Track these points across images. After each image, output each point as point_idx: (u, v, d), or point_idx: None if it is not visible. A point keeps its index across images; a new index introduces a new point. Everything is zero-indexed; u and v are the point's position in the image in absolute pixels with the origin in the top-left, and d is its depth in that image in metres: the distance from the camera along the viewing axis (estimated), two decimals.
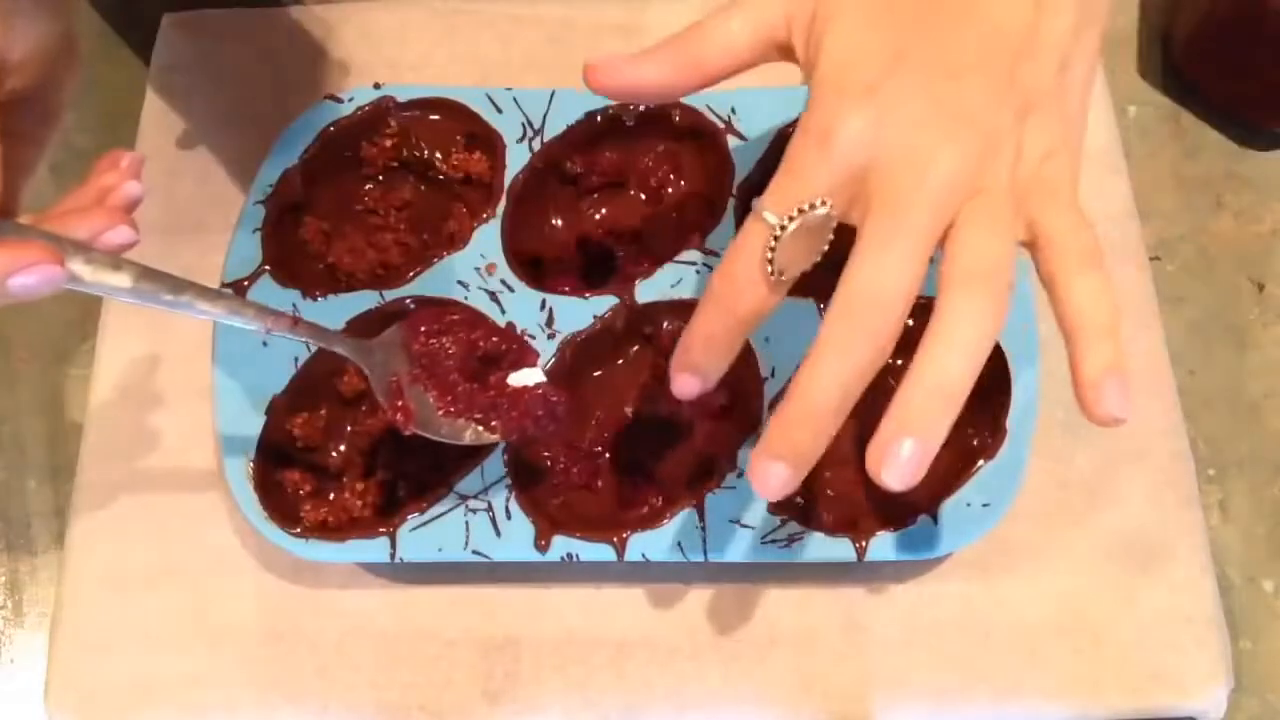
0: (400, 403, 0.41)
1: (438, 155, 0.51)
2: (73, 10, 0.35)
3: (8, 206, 0.32)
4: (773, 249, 0.31)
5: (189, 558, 0.47)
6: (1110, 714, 0.45)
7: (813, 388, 0.30)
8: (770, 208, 0.31)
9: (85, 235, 0.34)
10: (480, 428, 0.42)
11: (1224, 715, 0.45)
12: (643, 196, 0.52)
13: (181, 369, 0.49)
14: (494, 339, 0.44)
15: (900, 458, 0.30)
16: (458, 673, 0.45)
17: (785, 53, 0.34)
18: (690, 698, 0.45)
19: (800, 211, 0.31)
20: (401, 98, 0.50)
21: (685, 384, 0.34)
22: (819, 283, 0.49)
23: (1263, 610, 0.49)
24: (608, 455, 0.47)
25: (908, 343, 0.31)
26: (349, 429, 0.48)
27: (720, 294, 0.33)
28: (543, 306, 0.46)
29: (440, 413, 0.41)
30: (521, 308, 0.46)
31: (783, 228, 0.31)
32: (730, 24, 0.34)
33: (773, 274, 0.31)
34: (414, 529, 0.43)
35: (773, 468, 0.31)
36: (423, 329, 0.42)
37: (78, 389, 0.51)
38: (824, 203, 0.31)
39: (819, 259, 0.32)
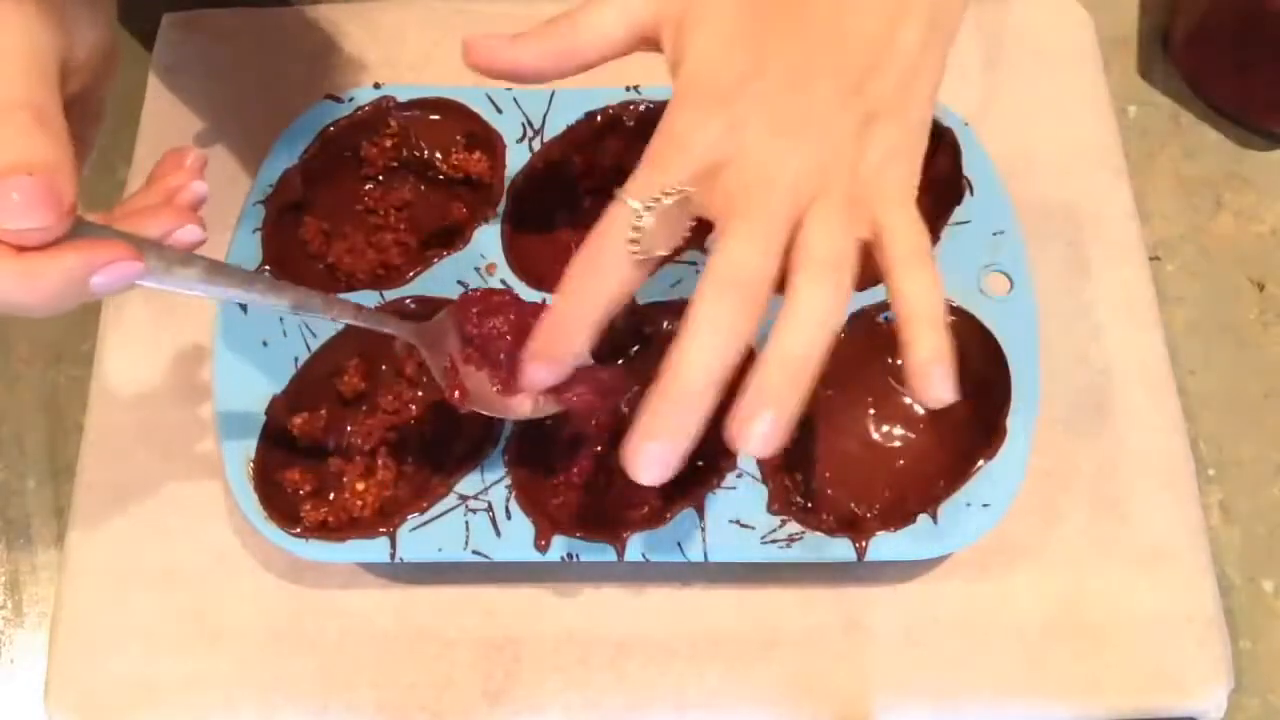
0: (457, 381, 0.41)
1: (438, 155, 0.51)
2: (113, 11, 0.36)
3: (75, 208, 0.33)
4: (637, 231, 0.33)
5: (189, 558, 0.47)
6: (1110, 714, 0.45)
7: (688, 366, 0.32)
8: (633, 195, 0.33)
9: (157, 234, 0.34)
10: (540, 399, 0.42)
11: (1224, 715, 0.45)
12: None
13: (182, 369, 0.49)
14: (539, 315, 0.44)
15: (757, 428, 0.32)
16: (458, 673, 0.45)
17: (653, 46, 0.37)
18: (690, 698, 0.45)
19: (659, 198, 0.33)
20: (401, 98, 0.50)
21: (537, 374, 0.36)
22: None
23: (1263, 610, 0.49)
24: (607, 455, 0.47)
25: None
26: (349, 429, 0.48)
27: (585, 276, 0.34)
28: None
29: (495, 389, 0.42)
30: None
31: (646, 210, 0.33)
32: (605, 15, 0.36)
33: (637, 254, 0.33)
34: (414, 529, 0.43)
35: (651, 448, 0.32)
36: (475, 310, 0.42)
37: (78, 389, 0.51)
38: (681, 191, 0.33)
39: (680, 244, 0.34)
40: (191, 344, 0.48)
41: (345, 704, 0.45)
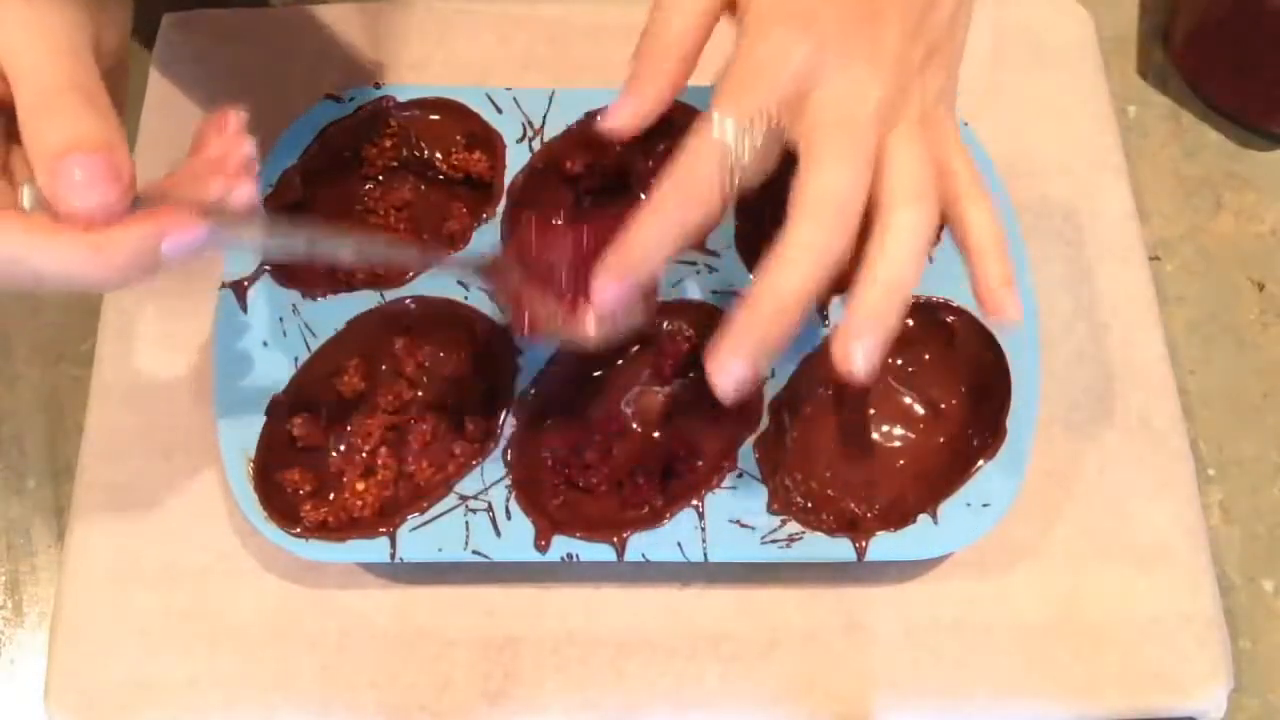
0: (524, 312, 0.40)
1: (438, 155, 0.51)
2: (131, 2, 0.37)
3: (134, 182, 0.33)
4: (730, 155, 0.33)
5: (189, 558, 0.47)
6: (1110, 714, 0.45)
7: (783, 285, 0.33)
8: (728, 117, 0.33)
9: (212, 198, 0.34)
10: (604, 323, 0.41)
11: (1224, 715, 0.45)
12: (643, 197, 0.52)
13: (182, 369, 0.49)
14: (596, 235, 0.43)
15: (861, 348, 0.33)
16: (458, 673, 0.45)
17: (731, 8, 0.37)
18: (690, 698, 0.45)
19: (752, 120, 0.33)
20: (401, 98, 0.50)
21: (607, 289, 0.35)
22: None
23: (1263, 610, 0.49)
24: (606, 455, 0.47)
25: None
26: (349, 429, 0.48)
27: (672, 198, 0.34)
28: None
29: (561, 316, 0.41)
30: None
31: (741, 132, 0.33)
32: (680, 13, 0.36)
33: (730, 182, 0.33)
34: (414, 529, 0.43)
35: (735, 364, 0.34)
36: (534, 238, 0.41)
37: (78, 389, 0.51)
38: (771, 114, 0.33)
39: (768, 174, 0.34)
40: (192, 344, 0.48)
41: (345, 704, 0.45)
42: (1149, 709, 0.45)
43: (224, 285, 0.47)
